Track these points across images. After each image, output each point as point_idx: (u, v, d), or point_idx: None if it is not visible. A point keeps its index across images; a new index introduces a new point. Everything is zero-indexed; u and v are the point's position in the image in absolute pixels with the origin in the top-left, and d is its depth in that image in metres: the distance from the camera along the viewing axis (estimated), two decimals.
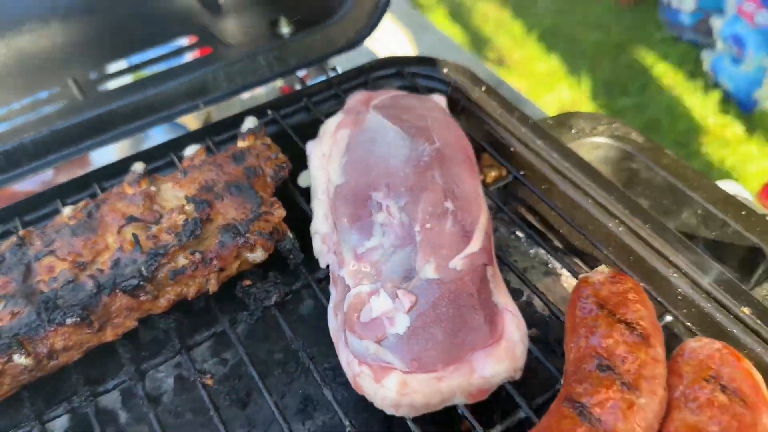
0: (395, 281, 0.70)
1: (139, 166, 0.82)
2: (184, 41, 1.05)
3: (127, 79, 0.99)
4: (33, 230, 0.76)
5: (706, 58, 3.75)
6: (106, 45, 1.02)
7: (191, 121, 1.59)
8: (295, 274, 0.78)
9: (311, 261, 0.79)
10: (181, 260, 0.70)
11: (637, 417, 0.58)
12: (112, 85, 0.99)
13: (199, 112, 1.29)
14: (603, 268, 0.69)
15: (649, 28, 4.09)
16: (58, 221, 0.77)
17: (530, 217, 0.88)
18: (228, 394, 0.73)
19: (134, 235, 0.72)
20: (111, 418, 0.74)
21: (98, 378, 0.70)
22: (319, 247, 0.79)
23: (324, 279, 0.77)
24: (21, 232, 0.76)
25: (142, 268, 0.69)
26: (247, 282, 0.75)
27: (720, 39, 3.65)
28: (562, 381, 0.65)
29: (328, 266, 0.77)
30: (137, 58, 1.02)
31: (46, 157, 0.91)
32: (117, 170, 0.91)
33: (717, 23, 3.63)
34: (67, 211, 0.78)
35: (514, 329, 0.69)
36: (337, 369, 0.70)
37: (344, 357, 0.69)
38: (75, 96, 0.97)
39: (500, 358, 0.67)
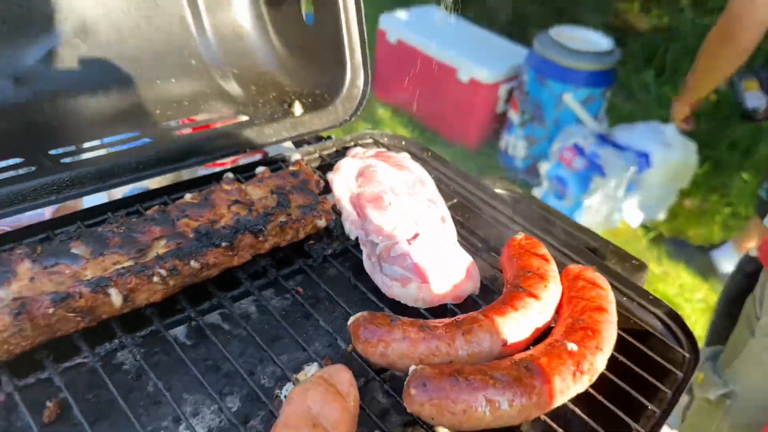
0: (407, 238, 1.23)
1: (230, 174, 1.29)
2: (228, 112, 1.56)
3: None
4: (166, 205, 1.19)
5: (536, 194, 4.79)
6: (178, 108, 1.51)
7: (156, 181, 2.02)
8: (337, 241, 1.28)
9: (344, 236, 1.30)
10: (282, 218, 1.18)
11: (548, 292, 1.13)
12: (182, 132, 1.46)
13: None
14: (521, 233, 1.27)
15: (491, 170, 5.13)
16: (182, 202, 1.21)
17: (463, 231, 1.44)
18: (295, 314, 1.18)
19: (249, 207, 1.18)
20: (216, 326, 1.14)
21: (228, 289, 1.13)
22: (349, 228, 1.30)
23: (354, 246, 1.28)
24: (160, 206, 1.18)
25: (261, 221, 1.15)
26: (312, 242, 1.24)
27: (546, 179, 4.71)
28: (504, 290, 1.19)
29: (356, 238, 1.28)
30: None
31: (145, 171, 1.34)
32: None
33: (543, 167, 4.70)
34: (188, 196, 1.23)
35: (473, 267, 1.24)
36: (364, 294, 1.19)
37: (379, 279, 1.19)
38: (154, 136, 1.42)
39: (468, 280, 1.21)
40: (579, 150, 4.56)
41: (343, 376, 0.93)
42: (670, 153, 4.54)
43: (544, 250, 1.22)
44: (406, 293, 1.16)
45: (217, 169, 1.76)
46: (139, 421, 0.91)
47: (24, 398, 0.93)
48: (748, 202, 5.09)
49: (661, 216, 4.90)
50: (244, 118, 1.54)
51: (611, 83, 4.72)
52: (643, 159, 4.52)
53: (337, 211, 1.33)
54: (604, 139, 4.60)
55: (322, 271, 1.25)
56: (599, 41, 4.71)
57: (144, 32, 1.57)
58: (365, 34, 1.56)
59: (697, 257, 4.69)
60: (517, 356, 1.00)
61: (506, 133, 5.02)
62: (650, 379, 1.09)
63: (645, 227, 4.82)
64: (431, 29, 5.08)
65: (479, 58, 4.88)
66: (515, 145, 5.02)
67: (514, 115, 4.96)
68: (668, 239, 4.83)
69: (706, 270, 4.60)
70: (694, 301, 4.44)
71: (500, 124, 5.10)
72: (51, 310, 0.95)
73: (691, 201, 5.14)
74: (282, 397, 1.02)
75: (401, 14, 5.29)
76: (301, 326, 1.15)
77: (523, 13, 5.86)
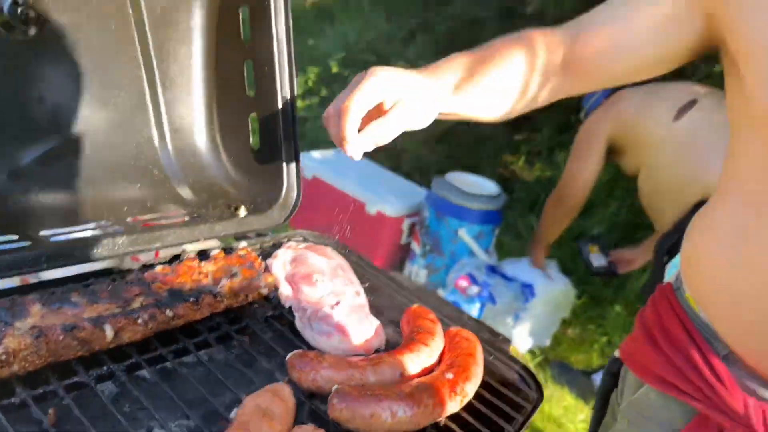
0: (331, 305, 1.61)
1: (191, 254, 1.66)
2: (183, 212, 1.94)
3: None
4: (140, 272, 1.53)
5: None
6: (142, 206, 1.87)
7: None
8: (275, 308, 1.64)
9: (280, 305, 1.66)
10: (235, 284, 1.54)
11: (435, 343, 1.53)
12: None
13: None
14: (416, 305, 1.69)
15: None
16: (153, 272, 1.55)
17: (372, 307, 1.84)
18: (242, 359, 1.51)
19: (208, 274, 1.54)
20: (177, 368, 1.45)
21: (191, 337, 1.45)
22: (284, 298, 1.67)
23: (288, 312, 1.65)
24: (135, 274, 1.52)
25: (217, 286, 1.51)
26: (256, 306, 1.60)
27: None
28: (402, 342, 1.57)
29: (290, 306, 1.65)
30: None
31: (119, 251, 1.68)
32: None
33: (442, 294, 5.21)
34: (158, 268, 1.57)
35: (380, 328, 1.63)
36: (297, 346, 1.55)
37: (309, 334, 1.55)
38: (124, 225, 1.78)
39: (376, 337, 1.59)
40: (473, 279, 5.12)
41: (283, 388, 1.28)
42: (551, 285, 5.18)
43: (432, 315, 1.64)
44: (330, 344, 1.53)
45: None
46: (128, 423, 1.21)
47: (35, 404, 1.20)
48: (622, 332, 5.75)
49: (547, 342, 5.44)
50: (198, 217, 1.92)
51: (499, 222, 5.42)
52: (528, 289, 5.12)
53: (276, 286, 1.70)
54: (494, 270, 5.20)
55: (264, 329, 1.60)
56: (488, 186, 5.46)
57: (118, 146, 1.96)
58: (299, 159, 2.02)
59: (579, 381, 5.20)
60: (412, 381, 1.38)
61: (409, 263, 5.55)
62: (507, 409, 1.49)
63: (532, 352, 5.33)
64: (343, 168, 5.70)
65: (385, 195, 5.49)
66: (417, 273, 5.53)
67: (416, 247, 5.52)
68: (553, 363, 5.34)
69: (587, 392, 5.10)
70: (576, 421, 4.89)
71: (404, 254, 5.64)
72: (62, 337, 1.25)
73: (572, 329, 5.75)
74: (232, 416, 1.34)
75: (316, 154, 5.91)
76: (247, 368, 1.48)
77: (424, 160, 6.65)
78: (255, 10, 1.98)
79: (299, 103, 7.13)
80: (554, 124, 6.77)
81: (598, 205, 6.22)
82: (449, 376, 1.41)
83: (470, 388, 1.43)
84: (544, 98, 1.71)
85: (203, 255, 1.76)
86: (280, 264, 1.76)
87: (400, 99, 1.41)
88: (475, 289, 5.06)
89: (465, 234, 5.29)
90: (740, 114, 1.66)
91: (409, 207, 5.57)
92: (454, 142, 6.92)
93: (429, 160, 6.68)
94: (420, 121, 1.50)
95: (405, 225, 5.59)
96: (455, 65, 1.58)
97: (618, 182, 6.03)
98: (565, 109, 6.52)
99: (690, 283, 1.82)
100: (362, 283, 1.86)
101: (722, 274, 1.64)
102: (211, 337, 1.49)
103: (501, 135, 7.18)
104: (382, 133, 1.42)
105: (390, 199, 5.51)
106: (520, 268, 5.21)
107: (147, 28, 1.98)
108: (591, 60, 1.68)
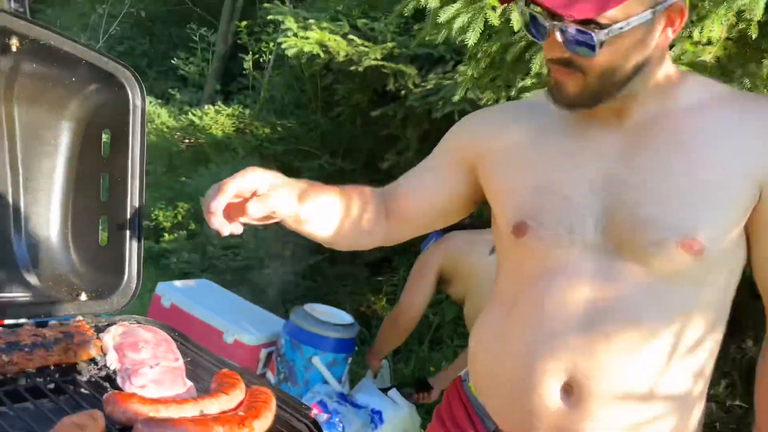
0: (150, 366, 1.95)
1: (29, 321, 1.96)
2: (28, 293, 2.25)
3: None
4: None
5: None
6: None
7: None
8: (102, 369, 1.95)
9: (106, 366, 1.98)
10: (67, 344, 1.86)
11: (235, 394, 1.88)
12: None
13: None
14: (226, 369, 2.05)
15: None
16: None
17: (189, 377, 2.17)
18: (68, 407, 1.79)
19: (43, 335, 1.85)
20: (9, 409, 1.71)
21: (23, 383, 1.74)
22: (111, 361, 1.99)
23: (113, 372, 1.96)
24: None
25: (51, 342, 1.82)
26: (85, 365, 1.91)
27: None
28: None
29: (115, 369, 1.97)
30: None
31: None
32: None
33: None
34: (0, 329, 1.87)
35: (192, 388, 1.97)
36: None
37: (127, 387, 1.86)
38: None
39: (187, 394, 1.93)
40: (323, 407, 5.39)
41: (96, 412, 1.59)
42: (399, 410, 5.53)
43: (237, 376, 2.01)
44: (146, 395, 1.86)
45: None
46: None
47: None
48: None
49: None
50: (42, 297, 2.24)
51: (352, 351, 5.81)
52: (377, 416, 5.45)
53: (104, 352, 2.03)
54: (344, 398, 5.51)
55: (90, 384, 1.91)
56: (343, 316, 5.91)
57: None
58: (141, 257, 2.42)
59: None
60: (209, 416, 1.74)
61: None
62: None
63: None
64: (202, 298, 5.98)
65: (244, 324, 5.78)
66: None
67: (271, 376, 5.75)
68: None
69: None
70: None
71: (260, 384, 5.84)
72: None
73: None
74: None
75: (177, 283, 6.17)
76: (72, 410, 1.76)
77: (287, 294, 7.06)
78: (115, 133, 2.46)
79: (167, 236, 7.45)
80: (409, 266, 7.46)
81: (445, 341, 6.81)
82: (241, 413, 1.77)
83: (258, 425, 1.79)
84: (369, 233, 2.10)
85: (42, 324, 2.06)
86: (111, 335, 2.09)
87: (272, 185, 1.72)
88: (324, 417, 5.31)
89: (318, 362, 5.61)
90: (498, 242, 2.27)
91: (268, 336, 5.85)
92: (318, 279, 7.41)
93: (292, 294, 7.09)
94: (286, 206, 1.76)
95: (262, 354, 5.83)
96: (301, 183, 1.98)
97: (461, 321, 6.69)
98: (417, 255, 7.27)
99: (472, 375, 2.34)
100: (185, 357, 2.21)
101: (489, 364, 2.17)
102: (42, 385, 1.78)
103: (362, 274, 7.77)
104: (260, 209, 1.67)
105: (248, 327, 5.79)
106: (369, 396, 5.56)
107: (17, 140, 2.39)
108: (400, 205, 2.18)
